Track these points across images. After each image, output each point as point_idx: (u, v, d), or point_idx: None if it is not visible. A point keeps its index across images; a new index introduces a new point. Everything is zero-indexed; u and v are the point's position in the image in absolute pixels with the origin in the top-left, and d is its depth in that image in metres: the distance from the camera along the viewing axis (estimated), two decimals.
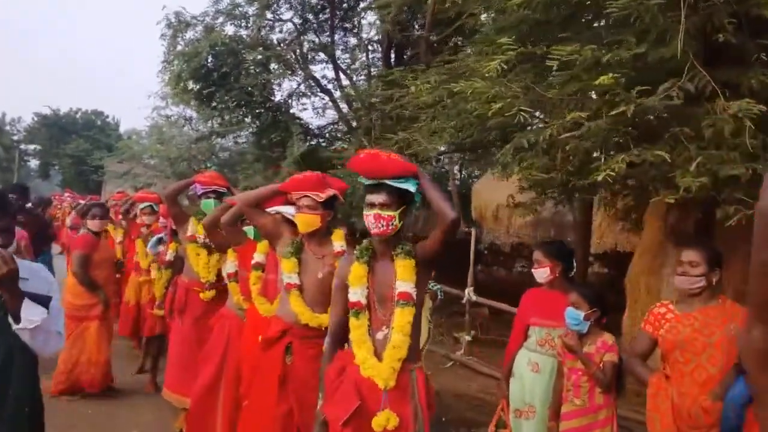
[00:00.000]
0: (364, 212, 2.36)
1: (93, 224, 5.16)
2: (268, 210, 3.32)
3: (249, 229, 3.86)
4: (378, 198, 2.32)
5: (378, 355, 2.36)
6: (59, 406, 4.66)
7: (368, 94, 8.39)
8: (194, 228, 4.46)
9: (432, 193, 2.32)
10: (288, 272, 3.04)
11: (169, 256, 5.21)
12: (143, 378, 5.55)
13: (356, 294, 2.41)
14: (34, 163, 46.04)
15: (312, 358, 2.88)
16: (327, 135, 10.45)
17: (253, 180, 10.55)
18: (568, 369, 3.01)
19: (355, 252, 2.49)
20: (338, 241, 3.17)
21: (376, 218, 2.31)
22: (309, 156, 9.20)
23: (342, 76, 9.94)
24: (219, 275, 4.29)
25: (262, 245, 3.65)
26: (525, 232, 10.59)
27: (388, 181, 2.32)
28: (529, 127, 3.87)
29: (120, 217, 7.02)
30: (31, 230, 5.58)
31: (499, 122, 3.62)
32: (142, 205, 5.98)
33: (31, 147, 43.22)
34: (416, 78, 5.05)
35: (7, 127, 40.72)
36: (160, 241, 5.66)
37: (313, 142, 9.86)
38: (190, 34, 9.72)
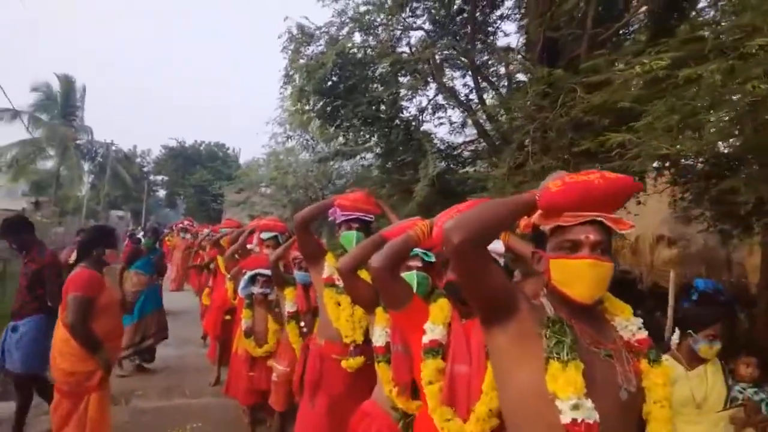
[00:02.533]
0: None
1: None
2: None
3: (410, 276, 2.41)
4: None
5: None
6: None
7: (522, 103, 6.90)
8: (332, 268, 3.19)
9: None
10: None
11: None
12: None
13: None
14: (161, 193, 48.81)
15: None
16: (463, 154, 9.04)
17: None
18: None
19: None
20: None
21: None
22: (441, 178, 7.89)
23: (483, 85, 8.52)
24: (368, 336, 2.97)
25: (440, 308, 2.21)
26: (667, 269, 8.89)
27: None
28: None
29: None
30: None
31: None
32: (266, 236, 4.87)
33: (159, 178, 45.77)
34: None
35: (138, 159, 43.31)
36: (254, 279, 4.49)
37: (444, 163, 8.49)
38: (312, 48, 8.80)
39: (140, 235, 12.38)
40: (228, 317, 6.31)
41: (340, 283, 3.17)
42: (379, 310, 2.57)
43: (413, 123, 9.00)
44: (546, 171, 6.78)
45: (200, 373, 6.78)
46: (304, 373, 3.30)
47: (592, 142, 6.67)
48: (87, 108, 32.73)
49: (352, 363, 3.05)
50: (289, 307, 4.04)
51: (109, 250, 3.84)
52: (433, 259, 2.41)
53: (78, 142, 30.29)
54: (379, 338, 2.55)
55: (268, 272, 4.34)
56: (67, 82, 28.78)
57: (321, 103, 8.83)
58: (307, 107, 9.36)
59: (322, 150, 11.24)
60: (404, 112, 8.95)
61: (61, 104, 28.62)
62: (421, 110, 8.98)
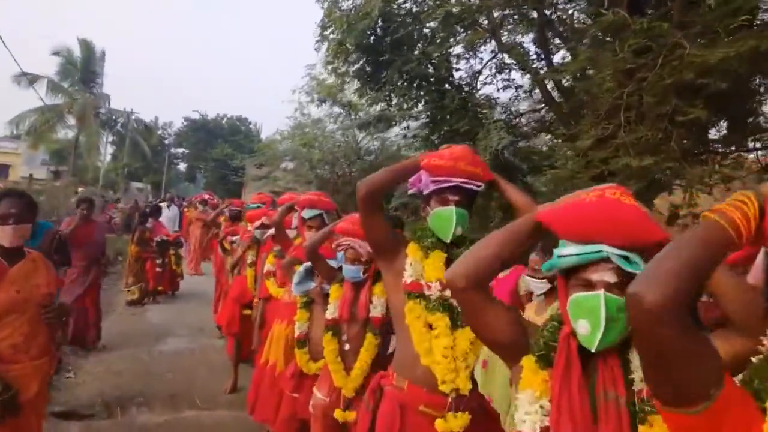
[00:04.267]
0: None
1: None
2: None
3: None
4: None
5: None
6: None
7: (612, 61, 5.59)
8: (417, 267, 2.06)
9: None
10: None
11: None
12: None
13: None
14: (182, 166, 48.08)
15: None
16: (524, 125, 7.76)
17: None
18: None
19: None
20: None
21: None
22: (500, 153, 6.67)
23: (556, 42, 7.21)
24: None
25: None
26: None
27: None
28: None
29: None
30: None
31: None
32: (309, 214, 3.70)
33: (180, 151, 44.98)
34: None
35: (159, 131, 42.51)
36: (310, 272, 3.34)
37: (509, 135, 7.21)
38: None
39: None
40: (247, 311, 5.21)
41: (432, 292, 2.01)
42: None
43: (467, 87, 7.73)
44: (640, 144, 5.52)
45: (214, 374, 5.70)
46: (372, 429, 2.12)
47: (702, 110, 5.40)
48: (107, 75, 31.70)
49: (452, 424, 1.89)
50: (329, 312, 2.89)
51: None
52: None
53: (99, 110, 29.38)
54: None
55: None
56: (88, 48, 27.78)
57: (361, 62, 7.62)
58: (342, 68, 8.15)
59: (358, 118, 10.04)
60: (456, 73, 7.70)
61: (81, 70, 27.65)
62: (476, 73, 7.71)
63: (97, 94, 28.87)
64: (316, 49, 8.14)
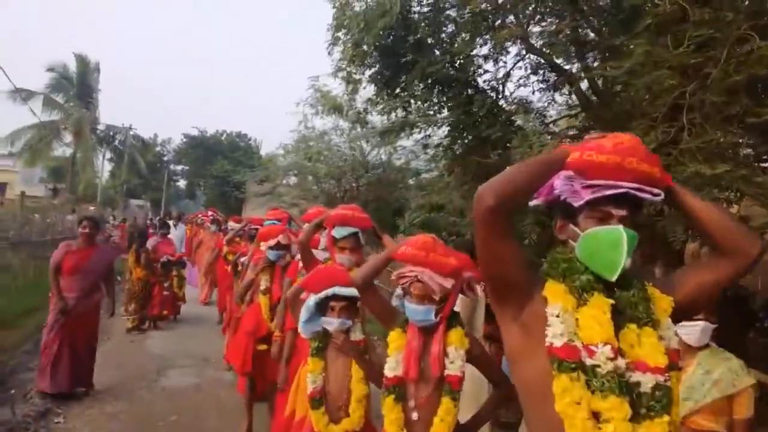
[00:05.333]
0: None
1: None
2: None
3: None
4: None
5: None
6: None
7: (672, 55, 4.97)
8: None
9: None
10: None
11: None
12: None
13: None
14: (182, 183, 47.44)
15: None
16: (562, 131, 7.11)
17: (449, 202, 7.54)
18: None
19: None
20: None
21: None
22: None
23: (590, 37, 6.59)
24: None
25: None
26: None
27: None
28: None
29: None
30: None
31: None
32: (341, 233, 3.04)
33: (179, 168, 44.38)
34: None
35: (158, 148, 41.95)
36: (324, 305, 2.68)
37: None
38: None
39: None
40: (263, 347, 4.51)
41: (598, 361, 1.35)
42: None
43: (492, 92, 7.10)
44: (708, 148, 4.90)
45: (224, 416, 5.02)
46: None
47: None
48: (103, 91, 31.13)
49: None
50: (389, 367, 2.19)
51: None
52: None
53: (96, 126, 28.81)
54: None
55: (349, 292, 2.52)
56: (83, 63, 27.25)
57: (377, 66, 7.00)
58: (356, 73, 7.54)
59: (370, 127, 9.40)
60: (482, 77, 7.06)
61: (77, 85, 27.11)
62: (506, 75, 7.08)
63: (93, 110, 28.31)
64: (329, 53, 7.55)
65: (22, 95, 23.21)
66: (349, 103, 12.45)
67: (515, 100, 6.75)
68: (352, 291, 2.47)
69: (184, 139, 42.04)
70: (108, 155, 33.17)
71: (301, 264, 3.62)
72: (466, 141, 7.01)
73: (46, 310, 8.83)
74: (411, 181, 14.77)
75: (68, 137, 27.39)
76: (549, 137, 5.94)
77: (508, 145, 6.24)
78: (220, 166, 36.08)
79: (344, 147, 15.45)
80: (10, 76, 19.01)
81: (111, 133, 30.98)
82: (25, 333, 7.27)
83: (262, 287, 4.75)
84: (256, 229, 5.79)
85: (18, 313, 7.94)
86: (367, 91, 7.98)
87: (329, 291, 2.56)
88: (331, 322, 2.57)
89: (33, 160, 27.15)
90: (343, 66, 7.50)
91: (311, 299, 2.64)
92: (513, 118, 6.86)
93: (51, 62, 26.75)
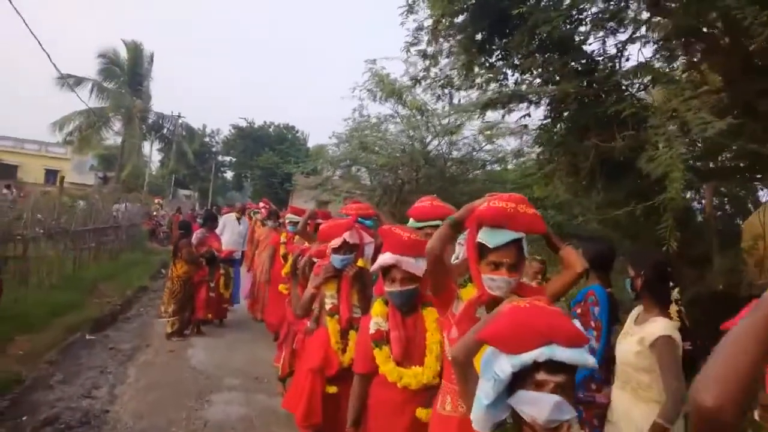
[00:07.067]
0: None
1: None
2: None
3: None
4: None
5: None
6: None
7: None
8: None
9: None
10: None
11: None
12: None
13: None
14: (229, 174, 47.20)
15: None
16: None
17: (549, 195, 6.19)
18: None
19: None
20: None
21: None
22: None
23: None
24: None
25: None
26: None
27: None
28: None
29: None
30: None
31: None
32: (497, 239, 1.82)
33: (227, 159, 44.07)
34: None
35: (207, 138, 41.68)
36: None
37: None
38: None
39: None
40: (332, 389, 3.28)
41: None
42: None
43: (609, 61, 5.71)
44: None
45: None
46: None
47: None
48: (154, 79, 30.69)
49: None
50: None
51: None
52: None
53: (145, 114, 28.41)
54: None
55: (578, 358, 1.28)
56: (135, 50, 26.80)
57: (469, 29, 5.72)
58: (435, 43, 6.31)
59: (454, 104, 8.03)
60: (591, 46, 5.69)
61: (128, 73, 26.68)
62: (626, 41, 5.68)
63: (144, 98, 27.90)
64: (402, 22, 6.32)
65: (70, 81, 22.85)
66: (410, 89, 11.27)
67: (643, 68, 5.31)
68: (582, 356, 1.25)
69: (232, 130, 41.68)
70: (157, 144, 32.91)
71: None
72: (577, 121, 5.65)
73: (82, 309, 8.01)
74: (477, 172, 13.45)
75: (117, 125, 27.07)
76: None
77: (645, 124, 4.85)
78: (267, 158, 35.45)
79: (402, 136, 14.20)
80: (64, 63, 18.54)
81: (160, 122, 30.56)
82: (53, 337, 6.31)
83: (328, 305, 3.53)
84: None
85: (47, 312, 7.02)
86: (445, 67, 6.71)
87: (543, 353, 1.29)
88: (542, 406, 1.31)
89: (82, 147, 26.94)
90: (421, 36, 6.29)
91: (502, 364, 1.37)
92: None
93: (102, 48, 26.44)
